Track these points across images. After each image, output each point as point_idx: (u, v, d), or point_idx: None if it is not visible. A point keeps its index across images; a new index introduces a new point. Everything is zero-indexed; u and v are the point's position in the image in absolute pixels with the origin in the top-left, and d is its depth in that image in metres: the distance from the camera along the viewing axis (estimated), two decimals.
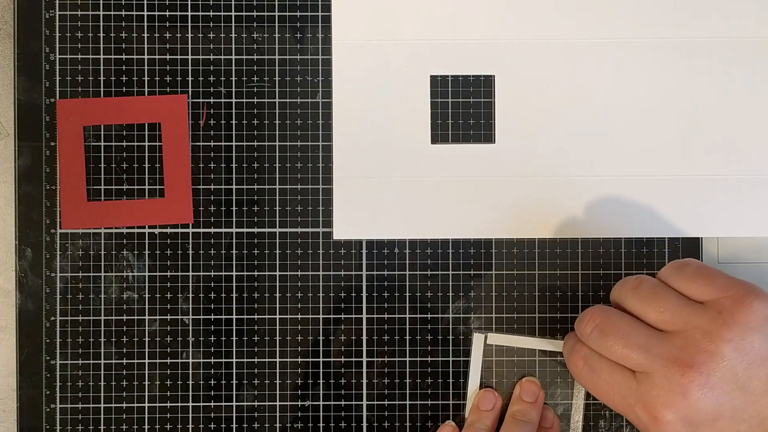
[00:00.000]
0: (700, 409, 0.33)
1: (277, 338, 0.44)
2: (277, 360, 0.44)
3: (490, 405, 0.42)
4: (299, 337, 0.44)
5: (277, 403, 0.44)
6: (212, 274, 0.44)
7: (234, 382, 0.44)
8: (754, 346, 0.34)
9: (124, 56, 0.44)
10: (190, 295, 0.44)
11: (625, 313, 0.37)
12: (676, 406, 0.34)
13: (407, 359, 0.44)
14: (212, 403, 0.44)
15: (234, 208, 0.44)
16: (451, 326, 0.44)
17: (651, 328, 0.36)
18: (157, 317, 0.44)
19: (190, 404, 0.44)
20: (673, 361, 0.34)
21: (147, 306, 0.44)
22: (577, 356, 0.38)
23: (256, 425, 0.44)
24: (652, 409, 0.34)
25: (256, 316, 0.44)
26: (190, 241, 0.44)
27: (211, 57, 0.44)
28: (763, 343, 0.34)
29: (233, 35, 0.44)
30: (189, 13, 0.44)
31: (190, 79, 0.44)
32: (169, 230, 0.44)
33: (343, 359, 0.44)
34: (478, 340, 0.43)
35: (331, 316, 0.44)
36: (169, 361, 0.44)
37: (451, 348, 0.44)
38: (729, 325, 0.34)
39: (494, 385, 0.43)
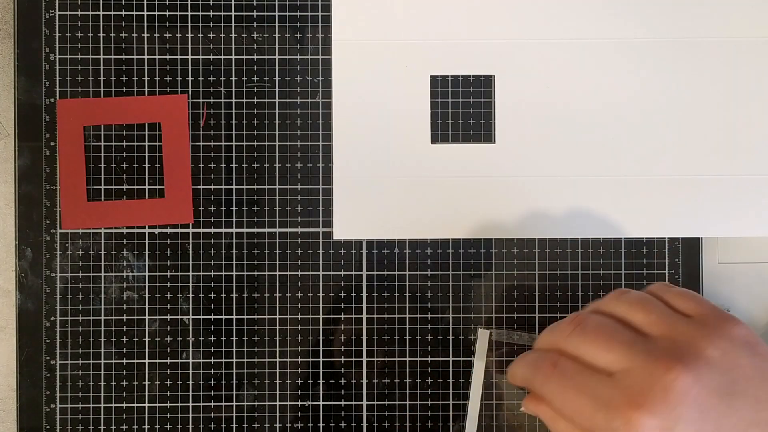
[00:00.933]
0: (682, 415, 0.29)
1: (277, 338, 0.44)
2: (277, 360, 0.44)
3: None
4: (299, 337, 0.44)
5: (277, 403, 0.44)
6: (212, 274, 0.44)
7: (234, 382, 0.44)
8: (741, 363, 0.31)
9: (124, 56, 0.44)
10: (190, 295, 0.44)
11: (608, 317, 0.34)
12: (655, 407, 0.29)
13: (407, 359, 0.44)
14: (212, 403, 0.44)
15: (234, 208, 0.44)
16: (451, 326, 0.44)
17: (637, 333, 0.33)
18: (157, 317, 0.44)
19: (190, 404, 0.44)
20: (658, 356, 0.31)
21: (147, 306, 0.44)
22: (546, 362, 0.34)
23: (256, 425, 0.44)
24: (627, 410, 0.30)
25: (256, 316, 0.44)
26: (190, 241, 0.44)
27: (211, 57, 0.44)
28: (749, 362, 0.31)
29: (233, 35, 0.44)
30: (189, 13, 0.44)
31: (190, 79, 0.44)
32: (169, 230, 0.44)
33: (343, 359, 0.44)
34: (482, 336, 0.43)
35: (331, 316, 0.44)
36: (169, 361, 0.44)
37: (451, 348, 0.44)
38: (715, 337, 0.32)
39: (498, 383, 0.43)
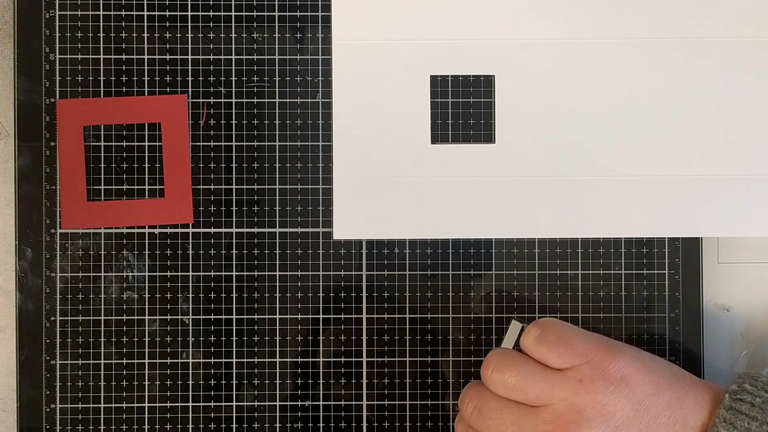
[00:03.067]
0: None
1: (277, 338, 0.44)
2: (277, 360, 0.44)
3: None
4: (299, 337, 0.44)
5: (277, 403, 0.44)
6: (212, 274, 0.44)
7: (234, 382, 0.44)
8: (618, 409, 0.35)
9: (124, 56, 0.44)
10: (190, 295, 0.44)
11: (496, 395, 0.38)
12: None
13: (407, 359, 0.44)
14: (212, 403, 0.44)
15: (234, 208, 0.44)
16: (451, 326, 0.44)
17: (524, 406, 0.36)
18: (157, 317, 0.44)
19: (190, 404, 0.44)
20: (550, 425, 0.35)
21: (147, 306, 0.44)
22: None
23: (256, 425, 0.44)
24: None
25: (256, 316, 0.44)
26: (190, 241, 0.44)
27: (211, 57, 0.44)
28: (626, 403, 0.35)
29: (233, 35, 0.44)
30: (189, 13, 0.44)
31: (190, 79, 0.44)
32: (169, 230, 0.44)
33: (343, 359, 0.44)
34: (514, 329, 0.43)
35: (331, 316, 0.44)
36: (169, 361, 0.44)
37: (450, 348, 0.44)
38: (591, 393, 0.35)
39: None
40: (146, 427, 0.43)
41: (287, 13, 0.44)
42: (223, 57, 0.44)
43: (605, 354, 0.36)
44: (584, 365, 0.36)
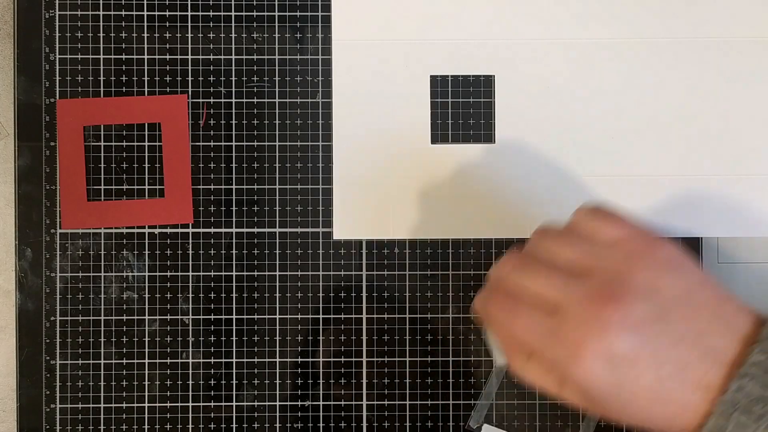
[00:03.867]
0: (620, 346, 0.32)
1: (277, 338, 0.44)
2: (277, 360, 0.44)
3: None
4: (299, 337, 0.44)
5: (277, 403, 0.44)
6: (212, 274, 0.44)
7: (234, 382, 0.44)
8: (667, 285, 0.33)
9: (124, 56, 0.44)
10: (190, 295, 0.44)
11: (539, 258, 0.36)
12: (595, 343, 0.32)
13: (407, 359, 0.44)
14: (212, 403, 0.44)
15: (234, 208, 0.44)
16: (451, 326, 0.44)
17: (566, 270, 0.35)
18: (157, 317, 0.44)
19: (190, 404, 0.44)
20: (591, 295, 0.33)
21: (147, 306, 0.44)
22: (493, 301, 0.36)
23: (256, 425, 0.44)
24: (571, 347, 0.32)
25: (256, 316, 0.44)
26: (190, 241, 0.44)
27: (211, 57, 0.44)
28: (673, 282, 0.33)
29: (233, 35, 0.44)
30: (189, 13, 0.44)
31: (190, 79, 0.44)
32: (169, 230, 0.44)
33: (343, 359, 0.44)
34: (496, 367, 0.43)
35: (331, 316, 0.44)
36: (169, 361, 0.44)
37: (451, 348, 0.44)
38: (640, 266, 0.33)
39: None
40: (146, 427, 0.43)
41: (287, 13, 0.44)
42: (223, 57, 0.44)
43: (651, 242, 0.34)
44: (632, 240, 0.34)
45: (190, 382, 0.44)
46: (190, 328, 0.44)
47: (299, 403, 0.44)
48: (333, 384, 0.44)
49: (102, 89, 0.44)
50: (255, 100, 0.44)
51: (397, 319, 0.44)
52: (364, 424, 0.44)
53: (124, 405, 0.43)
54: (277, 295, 0.44)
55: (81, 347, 0.43)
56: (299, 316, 0.44)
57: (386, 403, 0.44)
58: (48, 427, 0.43)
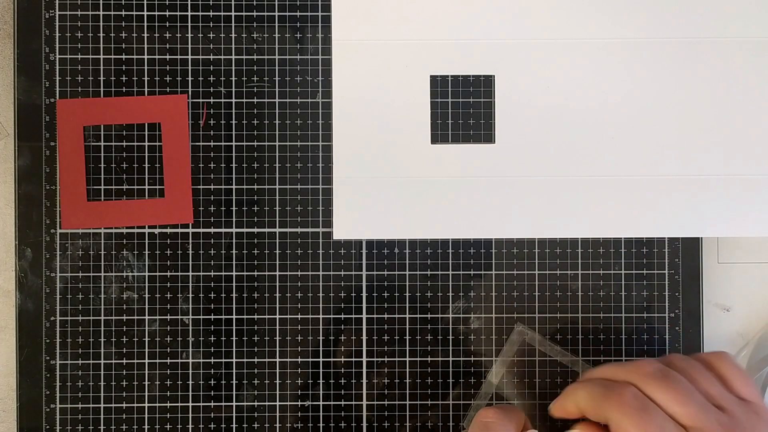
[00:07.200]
0: None
1: (277, 338, 0.44)
2: (277, 360, 0.44)
3: None
4: (299, 338, 0.44)
5: (277, 403, 0.44)
6: (212, 274, 0.44)
7: (234, 382, 0.44)
8: None
9: (124, 56, 0.44)
10: (190, 295, 0.44)
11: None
12: None
13: (407, 359, 0.44)
14: (212, 403, 0.44)
15: (234, 208, 0.44)
16: (451, 326, 0.44)
17: (701, 400, 0.36)
18: (157, 317, 0.44)
19: (190, 404, 0.44)
20: (729, 429, 0.35)
21: (147, 306, 0.44)
22: (625, 393, 0.36)
23: (256, 425, 0.44)
24: None
25: (256, 316, 0.44)
26: (190, 241, 0.44)
27: (211, 57, 0.44)
28: None
29: (233, 35, 0.44)
30: (189, 13, 0.44)
31: (190, 79, 0.44)
32: (169, 230, 0.44)
33: (343, 359, 0.44)
34: (519, 335, 0.43)
35: (331, 316, 0.44)
36: (169, 361, 0.44)
37: (451, 348, 0.44)
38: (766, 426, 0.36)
39: (515, 381, 0.43)
40: (146, 427, 0.43)
41: (287, 13, 0.44)
42: (223, 57, 0.44)
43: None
44: (760, 404, 0.37)
45: (190, 382, 0.44)
46: (190, 328, 0.44)
47: (299, 403, 0.44)
48: (333, 384, 0.44)
49: (102, 89, 0.44)
50: (255, 100, 0.44)
51: (397, 319, 0.44)
52: (364, 424, 0.44)
53: (124, 405, 0.43)
54: (277, 295, 0.44)
55: (81, 347, 0.43)
56: (299, 317, 0.44)
57: (386, 403, 0.44)
58: (48, 427, 0.43)
